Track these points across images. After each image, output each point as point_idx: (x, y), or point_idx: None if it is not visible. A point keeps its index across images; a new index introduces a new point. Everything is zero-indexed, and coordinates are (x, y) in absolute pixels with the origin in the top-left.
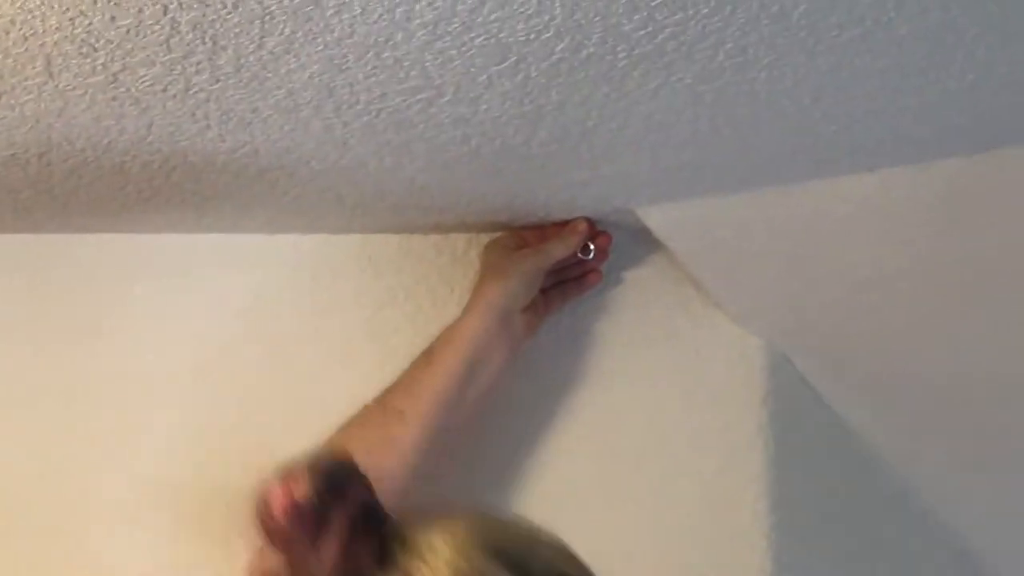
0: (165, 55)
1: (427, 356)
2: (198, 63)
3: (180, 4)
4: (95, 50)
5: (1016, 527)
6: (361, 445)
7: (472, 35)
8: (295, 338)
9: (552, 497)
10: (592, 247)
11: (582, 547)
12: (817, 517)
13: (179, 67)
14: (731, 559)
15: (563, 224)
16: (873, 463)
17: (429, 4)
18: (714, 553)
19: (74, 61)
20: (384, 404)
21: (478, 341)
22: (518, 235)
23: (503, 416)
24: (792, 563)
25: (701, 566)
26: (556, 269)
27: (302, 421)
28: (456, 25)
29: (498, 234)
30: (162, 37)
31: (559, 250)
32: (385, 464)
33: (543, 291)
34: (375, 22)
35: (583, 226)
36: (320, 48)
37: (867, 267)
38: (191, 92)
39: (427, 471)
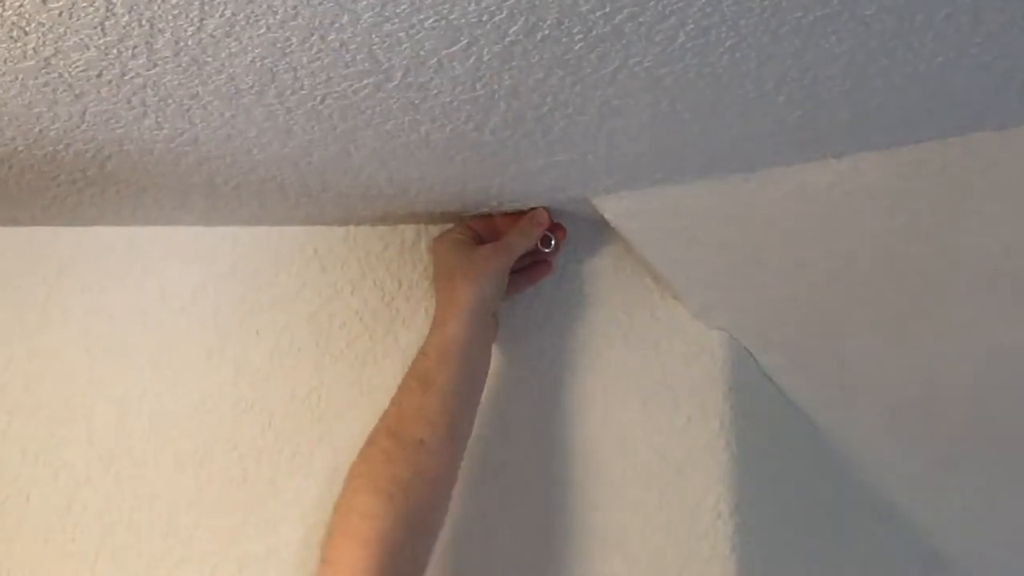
0: (100, 38)
1: (423, 377)
2: (134, 47)
3: None
4: (25, 33)
5: (984, 524)
6: (396, 485)
7: (421, 16)
8: (236, 335)
9: (505, 498)
10: (552, 239)
11: (537, 548)
12: (781, 517)
13: (114, 51)
14: (693, 560)
15: (516, 215)
16: (839, 461)
17: None
18: (676, 554)
19: (3, 45)
20: (399, 436)
21: (471, 351)
22: (469, 227)
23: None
24: (756, 564)
25: (663, 568)
26: None
27: (245, 419)
28: (404, 6)
29: (448, 225)
30: (96, 19)
31: (522, 244)
32: (427, 498)
33: None
34: (320, 3)
35: (544, 216)
36: (262, 31)
37: (833, 258)
38: (127, 77)
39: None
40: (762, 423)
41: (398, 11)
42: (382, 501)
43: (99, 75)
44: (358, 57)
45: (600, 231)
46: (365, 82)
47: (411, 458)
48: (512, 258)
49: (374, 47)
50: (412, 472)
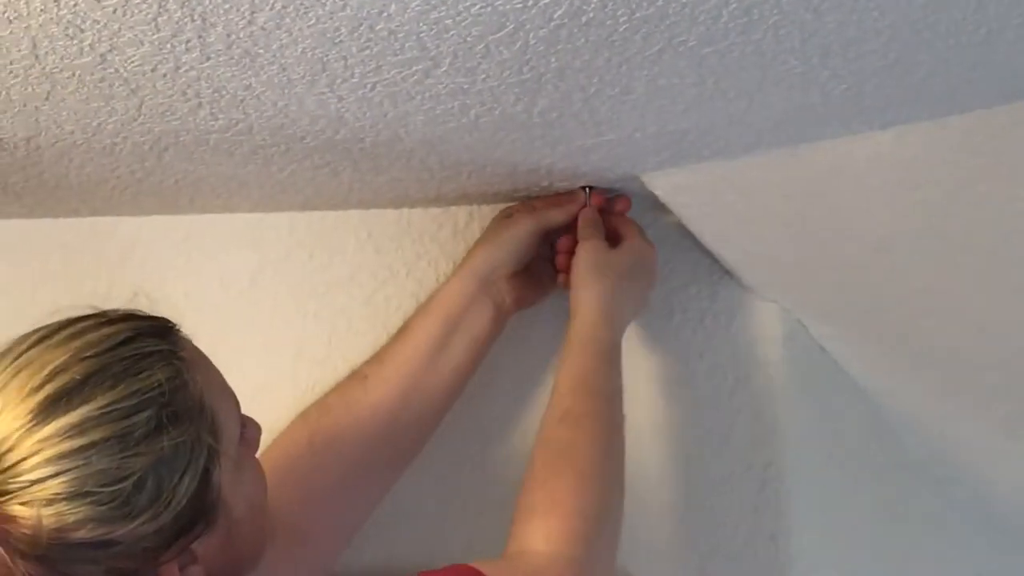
0: (153, 34)
1: (406, 322)
2: (187, 41)
3: None
4: (81, 31)
5: None
6: (321, 408)
7: (468, 3)
8: (294, 319)
9: None
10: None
11: None
12: (837, 490)
13: (168, 46)
14: (747, 533)
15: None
16: (895, 431)
17: None
18: (729, 527)
19: (60, 43)
20: (354, 370)
21: (453, 306)
22: (528, 204)
23: (506, 389)
24: (811, 538)
25: (716, 540)
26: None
27: (302, 404)
28: None
29: (501, 205)
30: (149, 16)
31: (555, 216)
32: (341, 424)
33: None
34: None
35: (580, 194)
36: (312, 22)
37: (882, 228)
38: (181, 71)
39: (404, 439)
40: (816, 394)
41: None
42: (299, 419)
43: (154, 69)
44: (407, 45)
45: (651, 208)
46: (414, 69)
47: (348, 387)
48: (537, 226)
49: (422, 34)
50: (337, 399)
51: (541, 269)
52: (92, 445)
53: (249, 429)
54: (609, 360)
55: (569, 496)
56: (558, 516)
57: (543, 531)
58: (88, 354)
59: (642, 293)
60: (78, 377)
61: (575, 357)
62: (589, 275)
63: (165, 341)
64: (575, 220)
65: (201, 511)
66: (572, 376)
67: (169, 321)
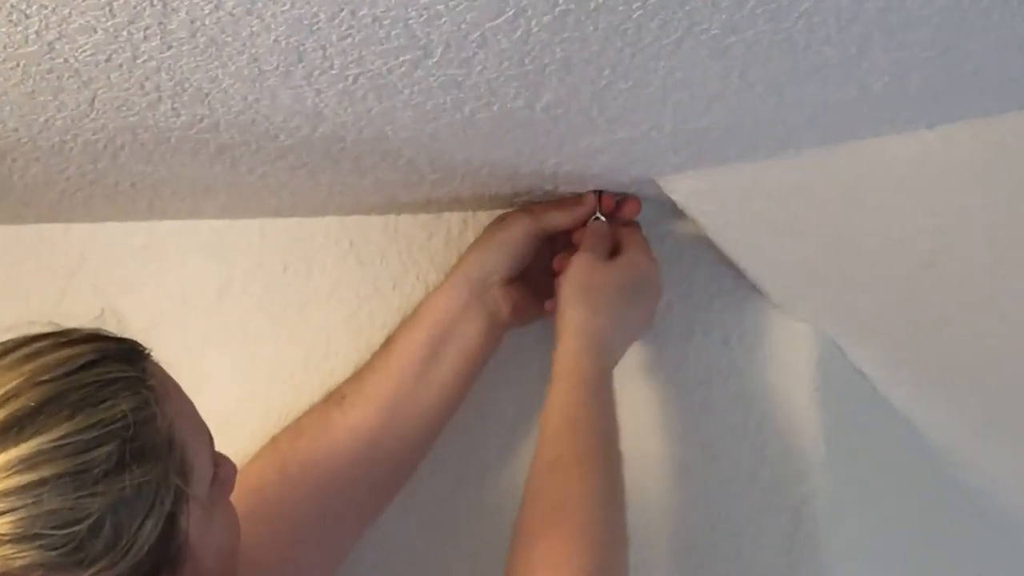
0: (108, 20)
1: (390, 336)
2: (146, 28)
3: None
4: (27, 16)
5: None
6: (293, 434)
7: None
8: (266, 338)
9: None
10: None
11: None
12: (878, 522)
13: (124, 33)
14: (785, 564)
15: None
16: (939, 462)
17: None
18: (766, 558)
19: (2, 30)
20: (331, 390)
21: (442, 317)
22: (527, 206)
23: (504, 412)
24: (850, 567)
25: (754, 570)
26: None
27: (272, 427)
28: None
29: (499, 211)
30: (104, 0)
31: (557, 218)
32: (316, 450)
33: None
34: None
35: (590, 197)
36: (286, 7)
37: (927, 239)
38: (139, 61)
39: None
40: (854, 423)
41: None
42: (269, 446)
43: (108, 59)
44: (393, 32)
45: (669, 216)
46: (402, 59)
47: (324, 408)
48: (535, 227)
49: (410, 21)
50: (312, 421)
51: (543, 281)
52: (44, 482)
53: (223, 468)
54: (599, 393)
55: (570, 554)
56: None
57: None
58: (44, 378)
59: (641, 313)
60: (32, 404)
61: (560, 393)
62: (575, 296)
63: (132, 367)
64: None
65: (164, 559)
66: (559, 414)
67: (139, 344)
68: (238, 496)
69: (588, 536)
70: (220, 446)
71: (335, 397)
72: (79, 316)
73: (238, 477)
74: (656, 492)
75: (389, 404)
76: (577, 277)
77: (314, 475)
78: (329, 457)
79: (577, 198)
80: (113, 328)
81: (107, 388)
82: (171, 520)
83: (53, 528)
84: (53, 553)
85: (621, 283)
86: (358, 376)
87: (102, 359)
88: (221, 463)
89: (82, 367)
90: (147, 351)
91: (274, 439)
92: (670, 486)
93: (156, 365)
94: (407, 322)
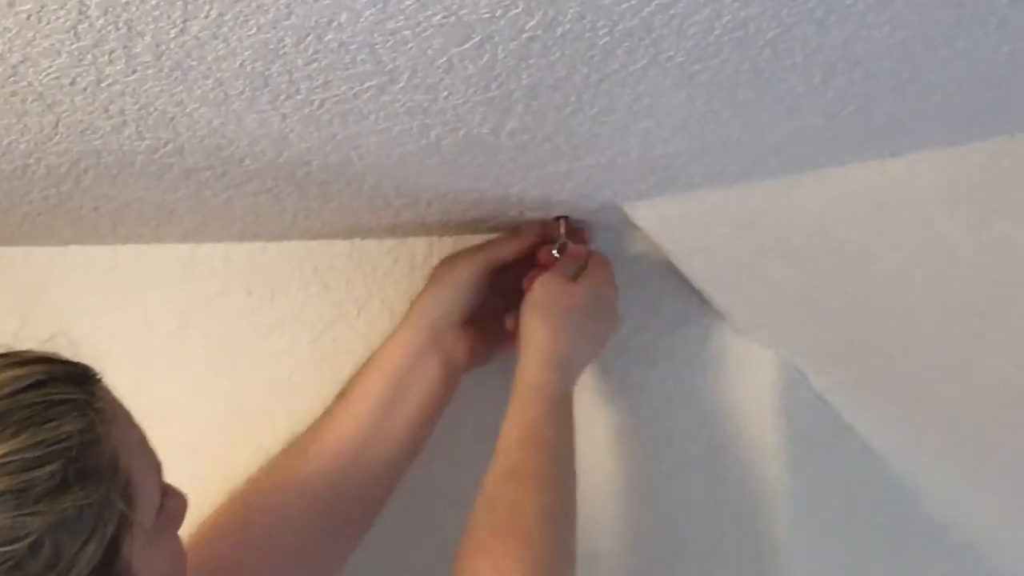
0: (72, 43)
1: (348, 382)
2: (111, 51)
3: None
4: None
5: None
6: (253, 485)
7: (428, 13)
8: (229, 364)
9: None
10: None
11: None
12: (840, 552)
13: (89, 56)
14: None
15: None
16: (903, 491)
17: None
18: None
19: None
20: (289, 441)
21: (398, 362)
22: (474, 245)
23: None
24: None
25: None
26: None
27: (240, 460)
28: (409, 2)
29: (465, 238)
30: (68, 23)
31: (504, 249)
32: (277, 502)
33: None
34: (315, 0)
35: (537, 224)
36: (252, 32)
37: (892, 267)
38: (104, 85)
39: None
40: (817, 451)
41: (402, 7)
42: (227, 500)
43: (72, 83)
44: (359, 58)
45: (634, 242)
46: (367, 84)
47: (285, 462)
48: (482, 265)
49: (377, 47)
50: (276, 478)
51: (497, 320)
52: None
53: (172, 500)
54: (560, 410)
55: (515, 567)
56: None
57: None
58: None
59: (598, 336)
60: None
61: (520, 407)
62: (539, 314)
63: (81, 390)
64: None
65: None
66: (518, 427)
67: (90, 369)
68: (198, 553)
69: (536, 550)
70: (182, 474)
71: (296, 447)
72: (41, 339)
73: (196, 531)
74: (617, 518)
75: (351, 452)
76: (542, 296)
77: (277, 530)
78: (292, 510)
79: (527, 226)
80: (67, 352)
81: (53, 409)
82: (113, 545)
83: None
84: None
85: (583, 304)
86: (318, 425)
87: (49, 380)
88: (170, 494)
89: (29, 387)
90: (97, 375)
91: (232, 494)
92: (632, 512)
93: (106, 390)
94: (364, 369)
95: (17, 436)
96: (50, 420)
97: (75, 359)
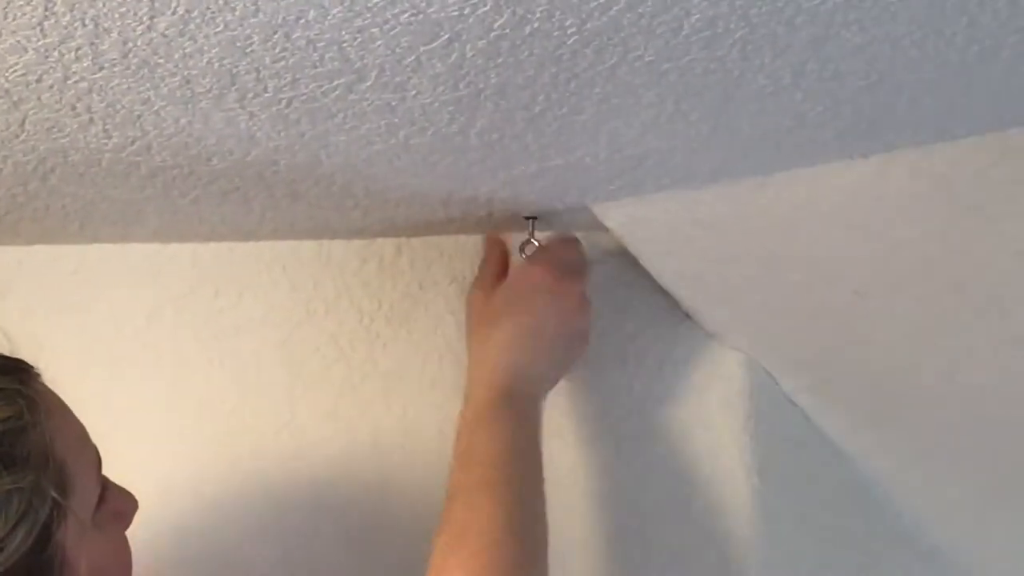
0: (39, 40)
1: None
2: (78, 48)
3: None
4: None
5: None
6: None
7: (396, 11)
8: (197, 364)
9: None
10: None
11: None
12: (809, 555)
13: (55, 53)
14: None
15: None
16: (872, 493)
17: None
18: None
19: None
20: None
21: None
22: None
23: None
24: None
25: None
26: None
27: (209, 462)
28: (377, 0)
29: (433, 238)
30: (35, 19)
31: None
32: None
33: None
34: None
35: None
36: (220, 29)
37: (860, 268)
38: (70, 82)
39: None
40: (786, 453)
41: (370, 5)
42: None
43: (39, 80)
44: (327, 56)
45: (601, 243)
46: (336, 83)
47: None
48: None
49: (344, 45)
50: None
51: None
52: None
53: (118, 499)
54: (489, 420)
55: None
56: None
57: None
58: None
59: (536, 321)
60: None
61: (460, 425)
62: (468, 328)
63: (11, 379)
64: None
65: (40, 571)
66: (457, 445)
67: (24, 363)
68: None
69: (484, 562)
70: (149, 474)
71: None
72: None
73: None
74: (585, 521)
75: None
76: (468, 311)
77: None
78: None
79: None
80: (3, 348)
81: None
82: (45, 531)
83: None
84: None
85: (499, 304)
86: None
87: None
88: (117, 493)
89: None
90: (33, 369)
91: None
92: (599, 515)
93: (41, 383)
94: None
95: None
96: None
97: (13, 355)
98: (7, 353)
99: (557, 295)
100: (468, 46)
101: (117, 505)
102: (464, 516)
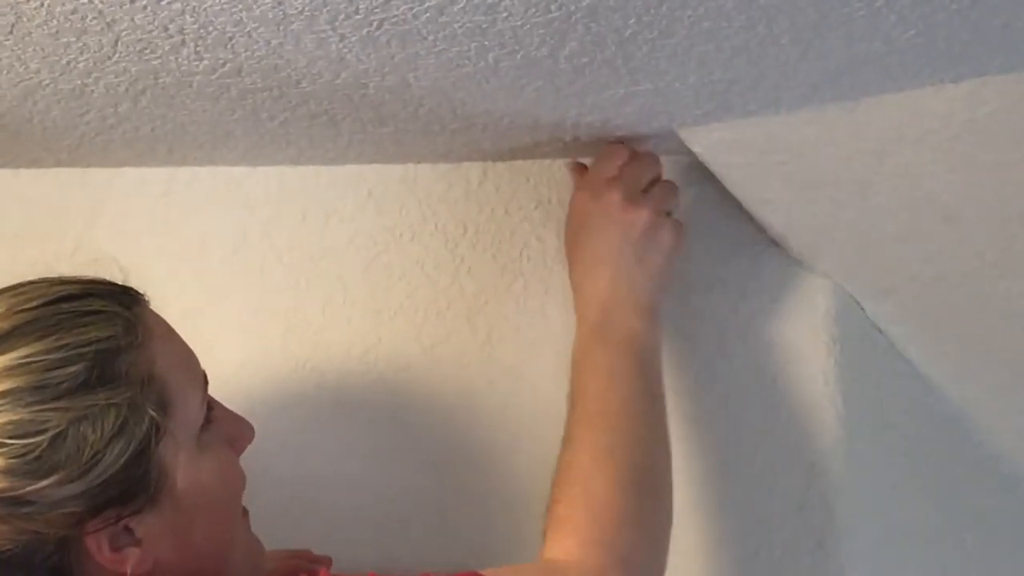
0: None
1: None
2: None
3: None
4: None
5: None
6: None
7: None
8: (284, 287)
9: None
10: None
11: None
12: (891, 481)
13: None
14: (791, 538)
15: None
16: (956, 421)
17: None
18: (771, 531)
19: None
20: None
21: None
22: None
23: (530, 383)
24: (863, 543)
25: (755, 545)
26: None
27: (295, 381)
28: None
29: (518, 163)
30: None
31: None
32: None
33: None
34: None
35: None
36: None
37: (950, 194)
38: (163, 3)
39: None
40: (870, 380)
41: None
42: None
43: (132, 1)
44: None
45: (688, 168)
46: (427, 5)
47: None
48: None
49: None
50: None
51: None
52: (6, 393)
53: (225, 421)
54: (591, 350)
55: (607, 504)
56: (589, 524)
57: (574, 539)
58: (24, 307)
59: (605, 244)
60: (6, 328)
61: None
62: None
63: (118, 304)
64: None
65: (138, 484)
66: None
67: (132, 288)
68: None
69: (630, 489)
70: (237, 393)
71: None
72: (96, 262)
73: None
74: (673, 443)
75: None
76: (570, 211)
77: None
78: None
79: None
80: (116, 277)
81: (84, 318)
82: (142, 447)
83: (12, 437)
84: (13, 461)
85: (569, 233)
86: None
87: (86, 295)
88: (221, 414)
89: (62, 298)
90: (139, 295)
91: None
92: (684, 440)
93: (146, 307)
94: None
95: (42, 340)
96: (79, 327)
97: (124, 283)
98: (119, 281)
99: (610, 219)
100: None
101: (227, 428)
102: (574, 460)
